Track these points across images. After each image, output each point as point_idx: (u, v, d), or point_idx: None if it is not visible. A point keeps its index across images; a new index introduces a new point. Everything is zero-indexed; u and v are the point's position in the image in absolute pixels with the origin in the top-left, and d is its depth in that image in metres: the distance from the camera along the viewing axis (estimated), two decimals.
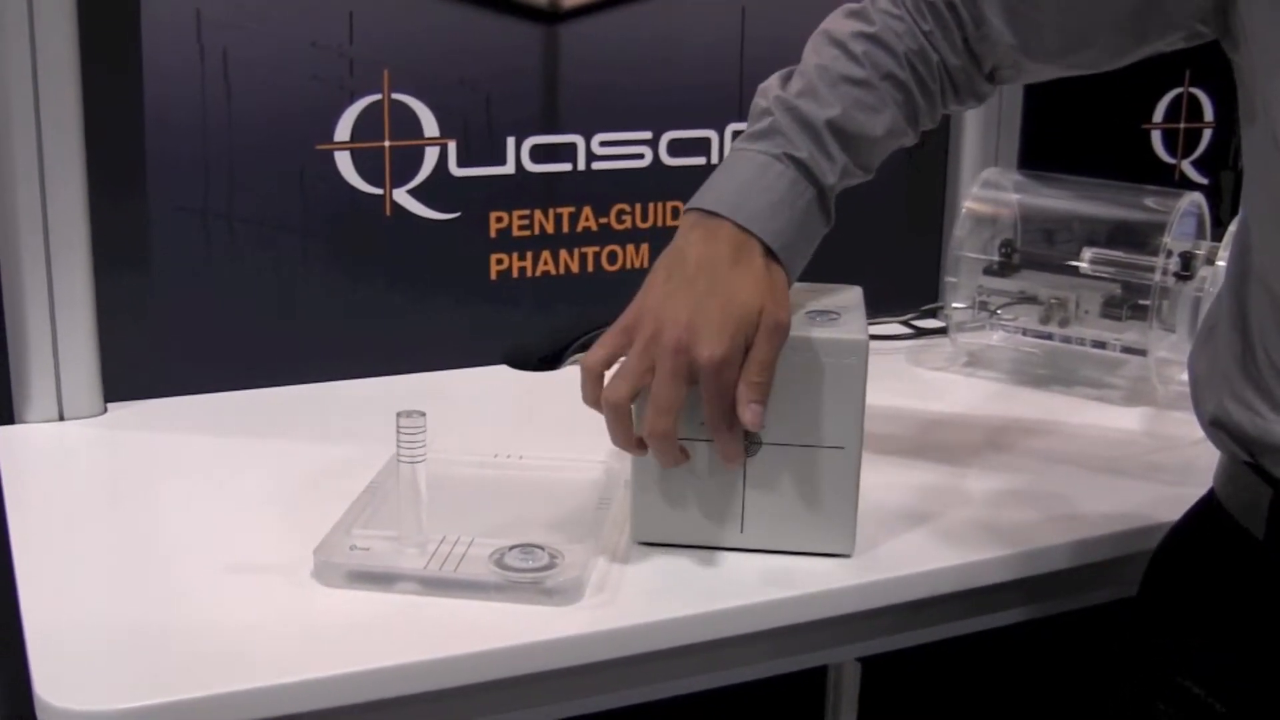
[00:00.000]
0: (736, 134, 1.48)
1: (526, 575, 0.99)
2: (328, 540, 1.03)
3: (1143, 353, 1.45)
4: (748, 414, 0.98)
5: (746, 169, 1.03)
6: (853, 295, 1.11)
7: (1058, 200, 1.55)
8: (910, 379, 1.52)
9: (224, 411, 1.37)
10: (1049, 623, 1.16)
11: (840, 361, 1.02)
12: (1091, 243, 1.48)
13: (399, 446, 1.01)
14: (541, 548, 1.02)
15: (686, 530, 1.06)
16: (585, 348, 1.40)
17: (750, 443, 1.03)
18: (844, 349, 1.02)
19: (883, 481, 1.10)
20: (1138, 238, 1.45)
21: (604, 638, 0.97)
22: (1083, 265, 1.47)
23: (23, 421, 1.31)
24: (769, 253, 1.01)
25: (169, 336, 1.37)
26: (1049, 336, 1.50)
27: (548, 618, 0.97)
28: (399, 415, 1.00)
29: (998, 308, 1.53)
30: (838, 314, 1.06)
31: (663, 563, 1.05)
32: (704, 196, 1.03)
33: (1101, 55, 1.05)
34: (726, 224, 1.01)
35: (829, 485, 1.04)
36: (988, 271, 1.53)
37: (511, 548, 1.02)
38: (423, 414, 1.01)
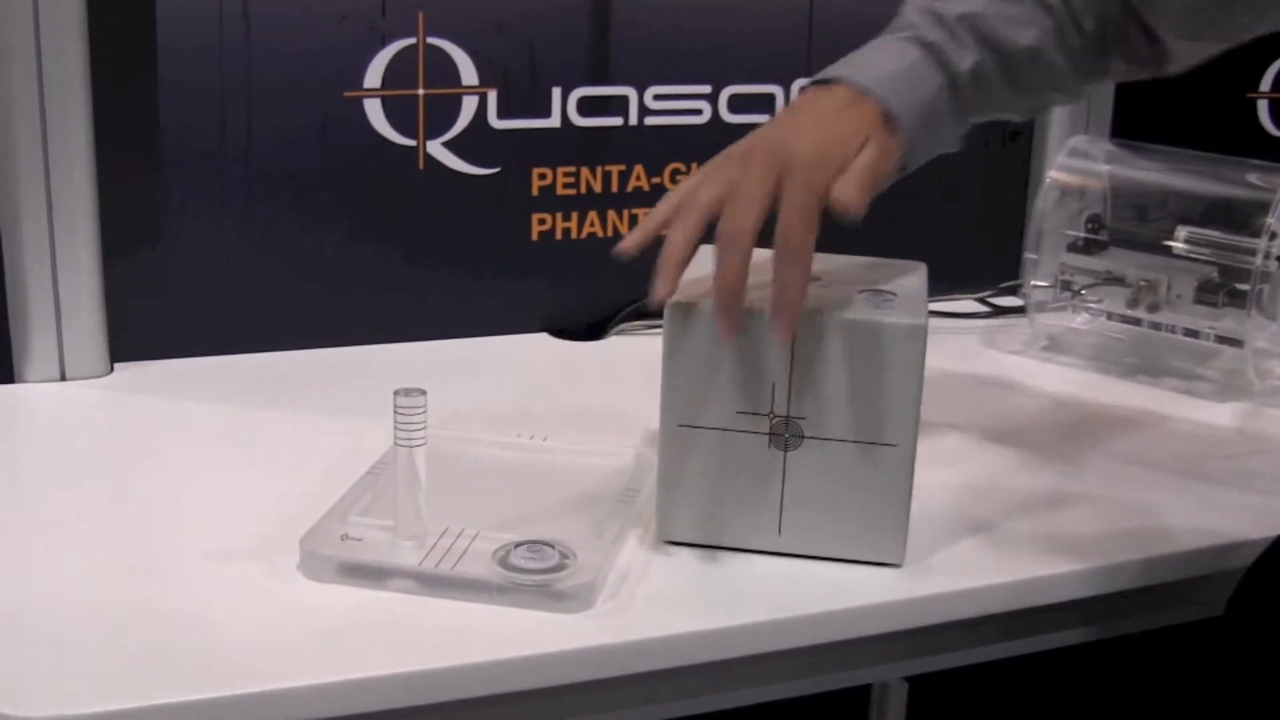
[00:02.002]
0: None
1: (532, 577, 0.90)
2: (317, 529, 0.95)
3: (1239, 343, 1.35)
4: (848, 187, 0.90)
5: (870, 49, 0.99)
6: (914, 273, 1.04)
7: (1151, 173, 1.47)
8: (983, 362, 1.44)
9: (236, 376, 1.31)
10: (1116, 643, 1.08)
11: (895, 349, 0.93)
12: (1186, 221, 1.41)
13: (395, 428, 0.93)
14: (551, 545, 0.93)
15: (717, 530, 0.98)
16: (632, 317, 1.44)
17: (790, 436, 0.95)
18: (899, 335, 0.93)
19: (939, 480, 1.02)
20: (1238, 217, 1.37)
21: (615, 652, 0.88)
22: (1176, 245, 1.39)
23: (22, 381, 1.26)
24: (886, 119, 0.94)
25: (181, 294, 1.32)
26: (1137, 322, 1.43)
27: (553, 626, 0.89)
28: (396, 394, 0.92)
29: (1082, 288, 1.45)
30: (894, 294, 0.98)
31: (688, 566, 0.97)
32: (821, 73, 0.98)
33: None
34: (841, 85, 0.96)
35: (878, 486, 0.96)
36: (1072, 248, 1.45)
37: (518, 545, 0.94)
38: (423, 392, 0.92)
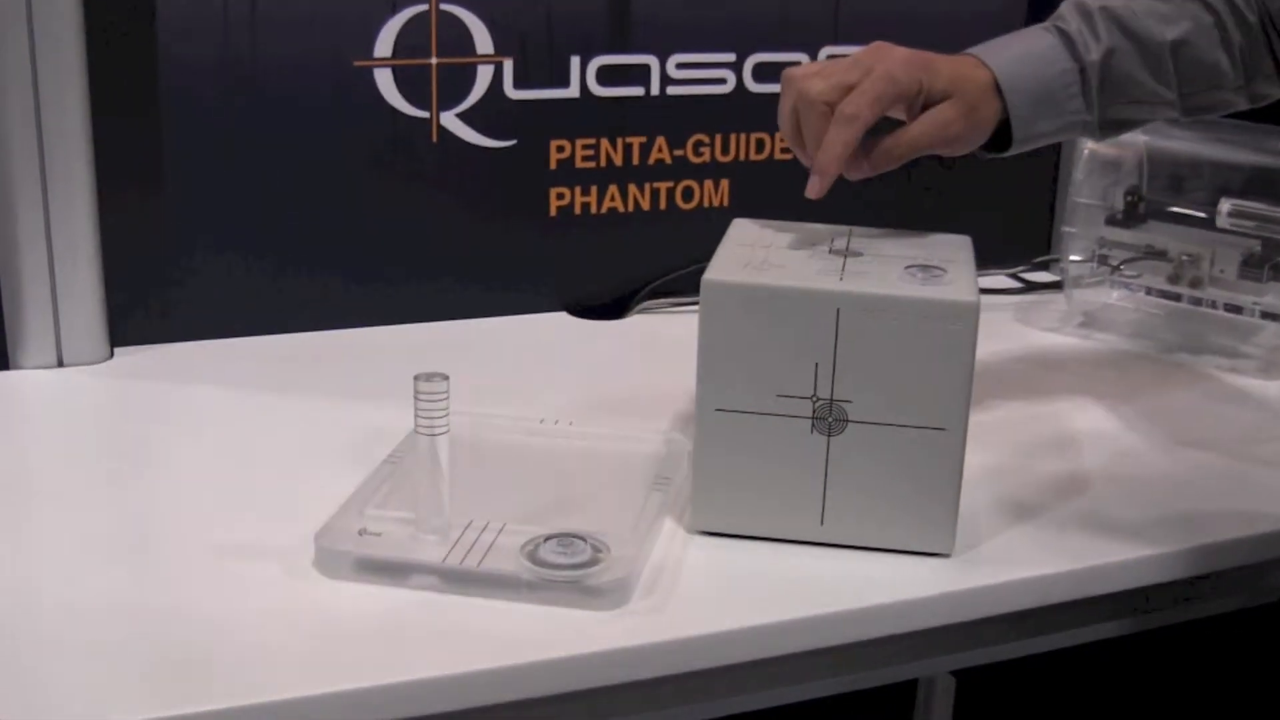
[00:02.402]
0: (833, 59, 1.40)
1: (564, 572, 0.86)
2: (333, 524, 0.90)
3: None
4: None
5: (1013, 34, 1.06)
6: (960, 246, 1.00)
7: (1189, 143, 1.41)
8: (1017, 339, 1.40)
9: (243, 360, 1.27)
10: (1169, 632, 1.05)
11: (945, 327, 0.89)
12: (1226, 192, 1.36)
13: (416, 415, 0.87)
14: (583, 539, 0.89)
15: (756, 520, 0.94)
16: (655, 295, 1.42)
17: (834, 420, 0.91)
18: (950, 312, 0.89)
19: (981, 462, 0.98)
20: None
21: (654, 653, 0.84)
22: (1220, 218, 1.34)
23: (18, 368, 1.21)
24: (996, 90, 1.02)
25: (184, 274, 1.28)
26: (1176, 297, 1.39)
27: (587, 625, 0.84)
28: (416, 379, 0.87)
29: (1120, 263, 1.40)
30: (942, 269, 0.94)
31: (727, 558, 0.93)
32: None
33: None
34: (970, 55, 1.04)
35: (927, 473, 0.91)
36: (1111, 222, 1.41)
37: (548, 538, 0.89)
38: (445, 377, 0.87)
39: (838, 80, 0.98)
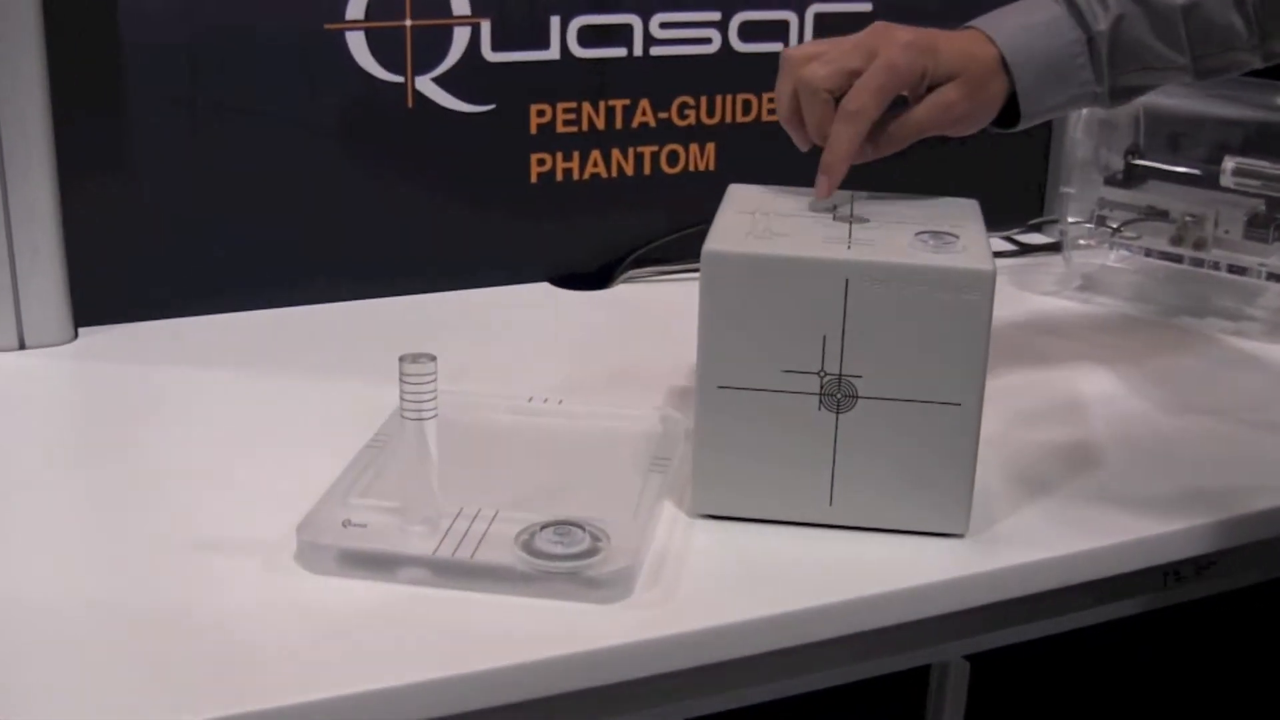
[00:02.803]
0: (820, 16, 1.35)
1: (562, 564, 0.81)
2: (315, 515, 0.86)
3: None
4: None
5: (1016, 5, 1.04)
6: (968, 210, 0.97)
7: (1188, 100, 1.38)
8: (1015, 304, 1.37)
9: (213, 338, 1.23)
10: (1189, 607, 1.01)
11: (960, 297, 0.85)
12: (1226, 150, 1.32)
13: (402, 399, 0.83)
14: (581, 526, 0.84)
15: (761, 502, 0.90)
16: (641, 264, 1.39)
17: (843, 396, 0.87)
18: (965, 281, 0.85)
19: (986, 434, 0.93)
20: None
21: (660, 648, 0.79)
22: (1223, 177, 1.30)
23: None
24: (1003, 65, 1.00)
25: (150, 249, 1.24)
26: (1177, 259, 1.36)
27: (589, 618, 0.80)
28: (402, 360, 0.82)
29: (1121, 225, 1.37)
30: (954, 235, 0.90)
31: (732, 544, 0.89)
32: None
33: None
34: (974, 29, 1.02)
35: (940, 450, 0.88)
36: (1109, 182, 1.38)
37: (544, 526, 0.84)
38: (432, 358, 0.82)
39: (839, 66, 0.95)
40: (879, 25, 0.98)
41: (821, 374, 0.86)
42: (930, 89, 0.97)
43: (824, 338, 0.85)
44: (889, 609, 0.85)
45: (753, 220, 0.91)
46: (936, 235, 0.88)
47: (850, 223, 0.91)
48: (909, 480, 0.88)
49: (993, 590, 0.88)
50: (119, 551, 0.87)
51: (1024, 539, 0.90)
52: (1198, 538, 0.94)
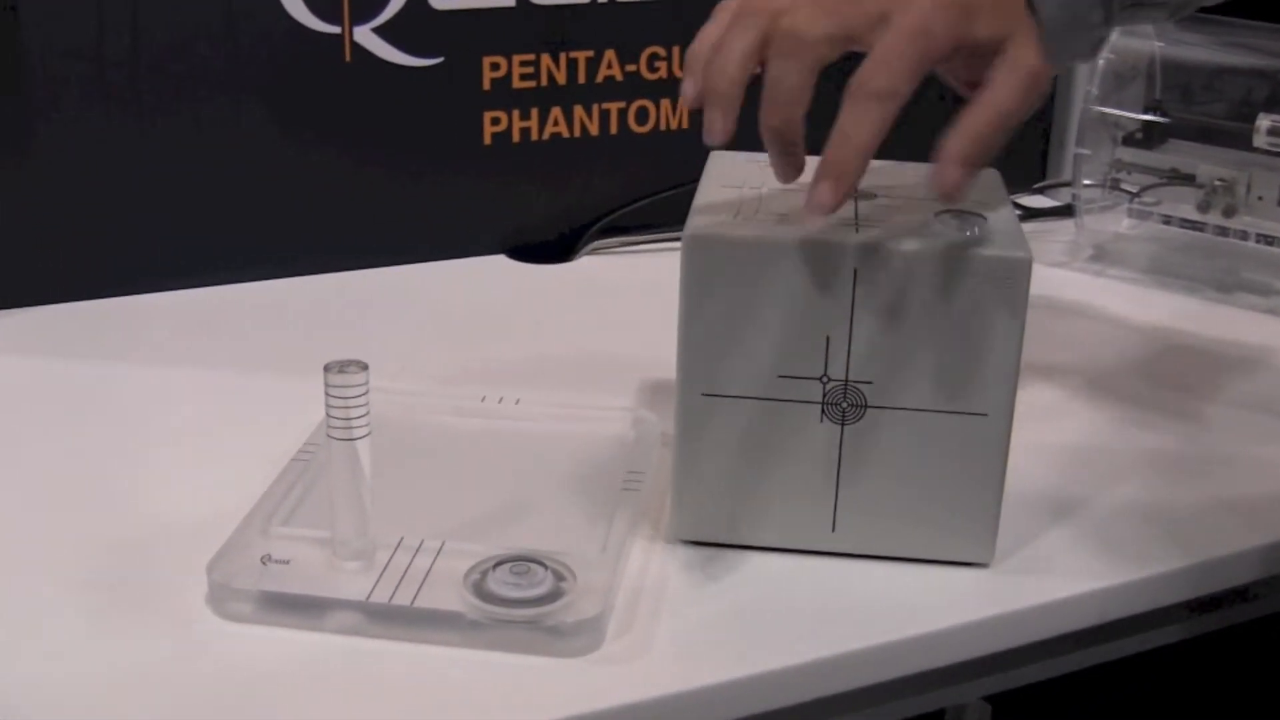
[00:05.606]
0: None
1: (519, 610, 0.69)
2: (228, 549, 0.74)
3: None
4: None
5: None
6: (991, 183, 0.85)
7: (1206, 50, 1.30)
8: None
9: (132, 323, 1.12)
10: (1222, 636, 0.92)
11: (991, 290, 0.74)
12: (1250, 105, 1.23)
13: (328, 415, 0.71)
14: (542, 563, 0.73)
15: (752, 528, 0.79)
16: (607, 233, 1.30)
17: (849, 405, 0.76)
18: (998, 271, 0.74)
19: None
20: None
21: (638, 712, 0.67)
22: (1257, 136, 1.20)
23: None
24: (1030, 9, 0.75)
25: (59, 224, 1.15)
26: (1200, 227, 1.26)
27: (551, 677, 0.68)
28: (327, 369, 0.70)
29: (1142, 189, 1.27)
30: (979, 215, 0.78)
31: (719, 578, 0.77)
32: None
33: None
34: None
35: (963, 468, 0.77)
36: (1128, 141, 1.28)
37: (498, 564, 0.72)
38: (363, 366, 0.70)
39: (842, 20, 0.72)
40: None
41: (824, 380, 0.76)
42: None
43: (827, 338, 0.75)
44: (907, 658, 0.73)
45: (740, 195, 0.79)
46: (961, 215, 0.77)
47: (856, 198, 0.79)
48: (925, 502, 0.78)
49: (1024, 631, 0.77)
50: None
51: (1057, 569, 0.79)
52: (1251, 563, 0.83)
